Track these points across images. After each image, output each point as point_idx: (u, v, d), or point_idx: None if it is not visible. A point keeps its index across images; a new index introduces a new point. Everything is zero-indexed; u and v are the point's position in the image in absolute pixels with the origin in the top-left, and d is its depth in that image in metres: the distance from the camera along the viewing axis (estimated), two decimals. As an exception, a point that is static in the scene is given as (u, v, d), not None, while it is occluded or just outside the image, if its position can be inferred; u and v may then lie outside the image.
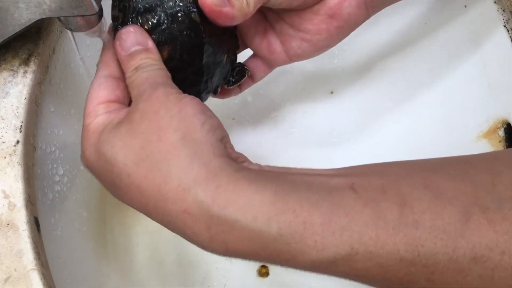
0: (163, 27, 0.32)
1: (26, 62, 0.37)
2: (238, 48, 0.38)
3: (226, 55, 0.36)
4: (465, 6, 0.48)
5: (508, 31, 0.45)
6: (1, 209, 0.33)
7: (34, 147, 0.36)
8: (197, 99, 0.28)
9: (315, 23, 0.36)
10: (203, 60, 0.34)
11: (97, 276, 0.46)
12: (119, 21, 0.32)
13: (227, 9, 0.31)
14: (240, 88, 0.41)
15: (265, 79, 0.42)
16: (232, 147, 0.28)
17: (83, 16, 0.31)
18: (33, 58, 0.37)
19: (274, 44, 0.38)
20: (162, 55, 0.32)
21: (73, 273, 0.40)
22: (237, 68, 0.39)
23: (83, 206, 0.46)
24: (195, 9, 0.32)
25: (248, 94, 0.40)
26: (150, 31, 0.32)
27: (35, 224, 0.34)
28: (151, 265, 0.51)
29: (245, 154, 0.29)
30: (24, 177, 0.34)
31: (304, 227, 0.24)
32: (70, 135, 0.42)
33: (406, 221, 0.23)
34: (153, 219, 0.27)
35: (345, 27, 0.36)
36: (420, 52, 0.52)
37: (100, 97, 0.31)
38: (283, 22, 0.37)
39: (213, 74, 0.36)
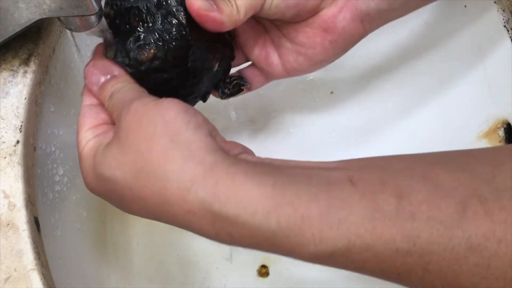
0: (150, 25, 0.32)
1: (26, 62, 0.37)
2: (233, 58, 0.38)
3: (217, 63, 0.36)
4: (465, 6, 0.48)
5: (508, 31, 0.45)
6: (1, 209, 0.33)
7: (34, 147, 0.36)
8: (177, 100, 0.28)
9: (309, 36, 0.36)
10: (189, 63, 0.34)
11: (97, 276, 0.46)
12: (110, 18, 0.33)
13: (214, 14, 0.31)
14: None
15: (265, 79, 0.42)
16: (223, 139, 0.29)
17: (83, 16, 0.31)
18: (33, 58, 0.37)
19: (272, 56, 0.38)
20: (148, 54, 0.32)
21: (73, 273, 0.40)
22: (235, 81, 0.39)
23: (83, 206, 0.46)
24: (183, 11, 0.32)
25: (248, 94, 0.40)
26: (137, 28, 0.32)
27: (35, 224, 0.34)
28: (151, 265, 0.51)
29: (245, 154, 0.29)
30: (24, 177, 0.34)
31: (302, 220, 0.24)
32: (70, 135, 0.42)
33: (403, 213, 0.23)
34: (164, 222, 0.28)
35: (340, 42, 0.36)
36: (420, 52, 0.52)
37: (87, 124, 0.32)
38: (281, 34, 0.37)
39: (200, 80, 0.36)
